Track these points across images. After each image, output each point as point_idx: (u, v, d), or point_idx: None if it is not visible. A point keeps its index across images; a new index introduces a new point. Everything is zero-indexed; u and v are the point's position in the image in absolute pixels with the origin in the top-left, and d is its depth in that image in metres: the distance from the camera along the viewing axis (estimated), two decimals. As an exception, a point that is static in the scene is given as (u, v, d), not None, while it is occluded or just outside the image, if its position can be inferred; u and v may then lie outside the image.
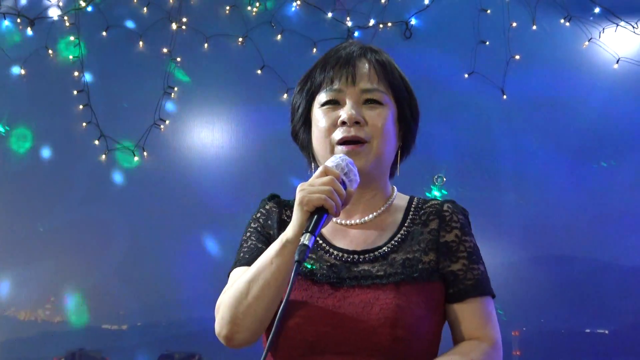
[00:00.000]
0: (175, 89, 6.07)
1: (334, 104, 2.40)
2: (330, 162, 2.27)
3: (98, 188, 6.09)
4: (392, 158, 2.48)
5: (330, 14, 6.06)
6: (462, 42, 5.97)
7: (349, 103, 2.37)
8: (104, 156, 6.07)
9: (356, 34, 6.04)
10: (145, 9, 6.13)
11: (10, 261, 6.12)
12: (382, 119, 2.38)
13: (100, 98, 6.12)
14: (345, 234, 2.45)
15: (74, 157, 6.12)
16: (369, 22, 6.06)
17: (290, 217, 2.41)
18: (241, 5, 6.09)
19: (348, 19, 6.05)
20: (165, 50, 6.09)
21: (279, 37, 6.09)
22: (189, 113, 6.11)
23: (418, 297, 2.30)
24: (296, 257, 2.08)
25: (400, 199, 2.52)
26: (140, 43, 6.12)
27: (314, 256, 2.41)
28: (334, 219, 2.46)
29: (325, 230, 2.46)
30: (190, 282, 5.97)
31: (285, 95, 6.03)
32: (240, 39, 6.08)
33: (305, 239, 2.11)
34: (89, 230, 6.08)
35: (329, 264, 2.37)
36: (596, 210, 5.94)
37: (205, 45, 6.10)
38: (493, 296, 2.42)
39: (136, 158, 6.07)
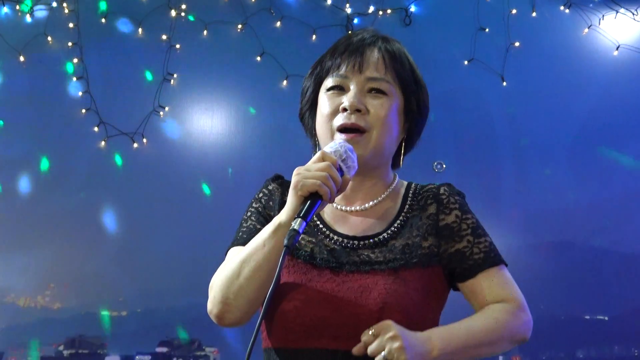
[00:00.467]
0: (175, 75, 6.06)
1: (339, 89, 2.37)
2: (329, 148, 2.25)
3: (97, 174, 6.08)
4: (394, 149, 2.45)
5: (329, 1, 6.05)
6: (461, 29, 5.97)
7: (352, 90, 2.35)
8: (103, 143, 6.05)
9: (355, 20, 6.04)
10: None
11: (9, 248, 6.10)
12: (385, 109, 2.35)
13: (99, 85, 6.09)
14: (346, 220, 2.42)
15: (73, 143, 6.10)
16: (368, 9, 6.05)
17: None
18: None
19: (347, 5, 6.04)
20: (164, 37, 6.07)
21: (278, 24, 6.07)
22: (189, 100, 6.10)
23: (417, 283, 2.29)
24: (285, 242, 2.08)
25: (401, 186, 2.50)
26: (140, 30, 6.09)
27: (314, 240, 2.39)
28: (335, 205, 2.45)
29: (327, 216, 2.44)
30: (189, 268, 5.96)
31: (284, 82, 6.02)
32: (240, 26, 6.06)
33: (296, 224, 2.11)
34: (88, 217, 6.07)
35: (329, 248, 2.35)
36: (596, 197, 5.96)
37: (205, 32, 6.09)
38: (506, 264, 2.39)
39: (135, 145, 6.05)
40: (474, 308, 2.38)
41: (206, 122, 6.09)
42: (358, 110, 2.33)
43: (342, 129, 2.34)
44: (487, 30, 5.98)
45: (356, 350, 2.14)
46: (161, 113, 6.06)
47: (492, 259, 2.36)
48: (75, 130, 6.08)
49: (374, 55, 2.38)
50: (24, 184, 6.09)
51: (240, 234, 2.43)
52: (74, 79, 6.09)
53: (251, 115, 6.08)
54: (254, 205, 2.49)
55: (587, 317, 6.11)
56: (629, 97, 5.99)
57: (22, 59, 6.10)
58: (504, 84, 5.93)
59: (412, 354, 2.11)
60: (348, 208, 2.43)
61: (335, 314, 2.23)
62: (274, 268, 2.11)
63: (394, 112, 2.37)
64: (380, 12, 6.03)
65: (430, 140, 2.55)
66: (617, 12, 6.00)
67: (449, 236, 2.37)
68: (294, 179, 2.18)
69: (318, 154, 2.21)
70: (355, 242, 2.36)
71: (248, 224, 2.44)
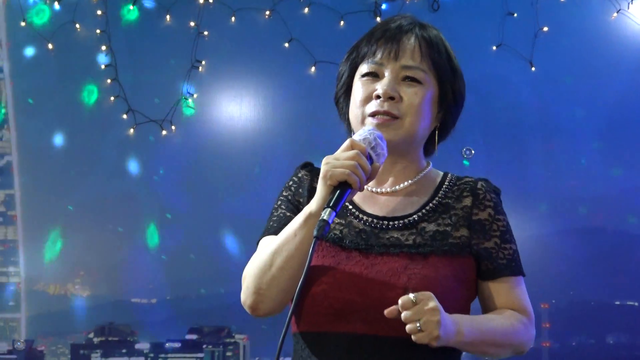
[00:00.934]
0: (203, 62, 6.06)
1: (373, 76, 2.33)
2: (358, 136, 2.21)
3: (126, 162, 6.11)
4: (426, 136, 2.40)
5: None
6: (489, 14, 5.92)
7: (387, 77, 2.31)
8: (132, 130, 6.07)
9: (384, 6, 6.00)
10: None
11: (39, 236, 6.13)
12: (418, 97, 2.31)
13: (127, 72, 6.12)
14: (376, 200, 2.38)
15: (102, 131, 6.14)
16: None
17: None
18: None
19: None
20: (192, 24, 6.06)
21: (306, 10, 6.03)
22: (217, 87, 6.11)
23: (446, 270, 2.26)
24: (315, 233, 2.07)
25: (435, 174, 2.45)
26: (167, 17, 6.08)
27: (343, 221, 2.35)
28: (366, 187, 2.34)
29: (356, 196, 2.37)
30: (218, 256, 6.00)
31: (313, 69, 6.01)
32: (268, 12, 6.04)
33: (326, 214, 2.09)
34: (117, 205, 6.12)
35: (357, 229, 2.32)
36: (625, 182, 5.93)
37: (232, 18, 6.06)
38: (524, 275, 2.38)
39: (164, 132, 6.06)
40: (482, 308, 2.39)
41: (234, 109, 6.10)
42: (391, 98, 2.30)
43: (374, 114, 2.30)
44: (515, 15, 5.92)
45: (388, 312, 2.10)
46: (189, 100, 6.06)
47: (513, 268, 2.36)
48: (105, 117, 6.10)
49: (411, 42, 2.34)
50: (52, 172, 6.14)
51: (271, 223, 2.41)
52: (103, 66, 6.09)
53: (280, 102, 6.08)
54: (283, 193, 2.45)
55: (618, 302, 6.07)
56: None
57: (50, 46, 6.10)
58: (533, 69, 5.88)
59: (444, 331, 2.10)
60: (378, 189, 2.40)
61: (364, 297, 2.21)
62: (305, 257, 2.11)
63: (428, 101, 2.34)
64: None
65: (458, 126, 2.51)
66: None
67: (480, 231, 2.34)
68: (322, 169, 2.17)
69: (347, 142, 2.18)
70: (385, 222, 2.32)
71: (278, 212, 2.41)
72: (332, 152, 2.24)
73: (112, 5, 6.11)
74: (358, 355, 2.20)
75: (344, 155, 2.14)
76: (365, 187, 2.33)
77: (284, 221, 2.32)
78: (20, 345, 6.02)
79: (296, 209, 2.35)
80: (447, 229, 2.32)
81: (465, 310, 2.32)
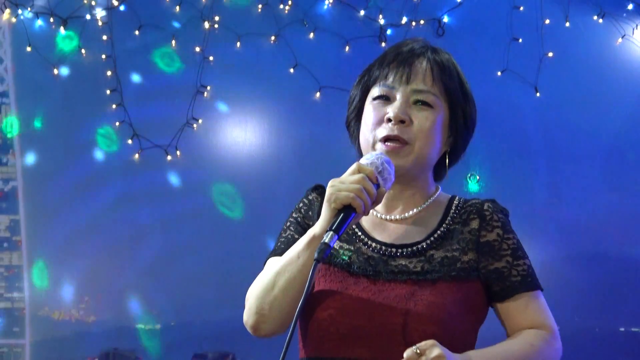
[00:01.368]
0: (208, 87, 6.07)
1: (384, 99, 2.34)
2: (365, 160, 2.21)
3: (131, 187, 6.11)
4: (435, 160, 2.41)
5: (362, 12, 6.04)
6: (494, 40, 5.95)
7: (398, 101, 2.32)
8: (137, 155, 6.07)
9: (389, 32, 6.02)
10: (177, 7, 6.10)
11: (44, 261, 6.11)
12: (429, 122, 2.32)
13: (133, 97, 6.13)
14: (385, 227, 2.39)
15: (108, 155, 6.13)
16: (401, 20, 6.02)
17: None
18: (273, 4, 6.09)
19: (380, 16, 6.02)
20: (197, 49, 6.08)
21: (311, 35, 6.06)
22: (222, 112, 6.13)
23: (454, 296, 2.26)
24: (315, 256, 2.07)
25: (443, 198, 2.46)
26: (173, 42, 6.10)
27: (351, 247, 2.36)
28: (375, 213, 2.42)
29: (365, 223, 2.41)
30: (222, 281, 5.98)
31: (318, 94, 6.02)
32: (273, 38, 6.06)
33: (327, 238, 2.09)
34: (122, 230, 6.11)
35: (366, 256, 2.33)
36: (630, 209, 5.92)
37: (238, 44, 6.08)
38: (542, 289, 2.36)
39: (169, 157, 6.07)
40: (506, 330, 2.36)
41: (239, 134, 6.10)
42: (402, 122, 2.31)
43: (385, 139, 2.31)
44: (520, 40, 5.95)
45: None
46: (194, 125, 6.06)
47: (530, 284, 2.34)
48: (110, 142, 6.10)
49: (422, 66, 2.35)
50: (57, 196, 6.11)
51: (279, 244, 2.43)
52: (108, 91, 6.10)
53: (285, 127, 6.09)
54: (293, 215, 2.48)
55: (622, 329, 6.04)
56: None
57: (56, 71, 6.10)
58: (538, 94, 5.90)
59: None
60: (387, 216, 2.40)
61: (371, 323, 2.21)
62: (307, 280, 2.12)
63: (439, 125, 2.35)
64: (414, 23, 6.01)
65: (463, 150, 2.52)
66: None
67: (489, 253, 2.33)
68: (328, 191, 2.18)
69: (353, 165, 2.18)
70: (393, 249, 2.33)
71: (287, 234, 2.43)
72: (336, 176, 2.24)
73: (118, 30, 6.12)
74: None
75: (349, 178, 2.15)
76: (375, 213, 2.42)
77: (291, 243, 2.33)
78: (24, 371, 6.10)
79: (304, 231, 2.34)
80: (456, 254, 2.32)
81: (473, 334, 2.33)
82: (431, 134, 2.33)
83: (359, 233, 2.40)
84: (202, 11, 6.05)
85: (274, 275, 2.25)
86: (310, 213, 2.45)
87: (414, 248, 2.33)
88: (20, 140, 6.16)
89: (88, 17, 6.08)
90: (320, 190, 2.48)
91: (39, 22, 6.12)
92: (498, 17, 5.99)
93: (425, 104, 2.33)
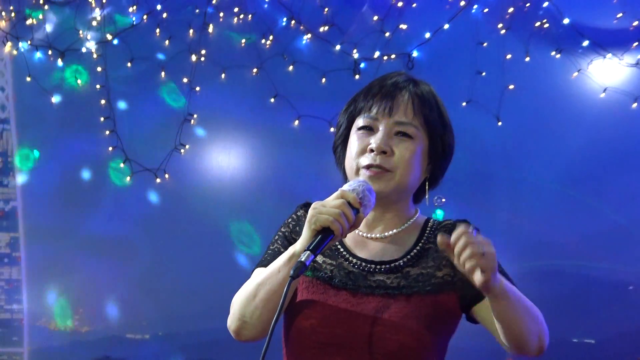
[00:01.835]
0: (195, 116, 6.17)
1: (368, 130, 2.40)
2: (348, 186, 2.27)
3: (123, 207, 6.21)
4: (415, 187, 2.47)
5: (338, 47, 6.11)
6: (460, 73, 5.99)
7: (381, 132, 2.38)
8: (128, 178, 6.19)
9: (362, 65, 6.10)
10: (167, 42, 6.22)
11: (41, 275, 6.24)
12: (409, 152, 2.38)
13: (125, 124, 6.23)
14: (366, 245, 2.46)
15: (101, 178, 6.24)
16: (374, 54, 6.11)
17: None
18: (256, 39, 6.16)
19: (355, 51, 6.10)
20: (185, 80, 6.18)
21: (290, 68, 6.15)
22: (208, 138, 6.21)
23: (428, 308, 2.33)
24: (291, 273, 2.12)
25: (421, 220, 2.52)
26: (163, 73, 6.20)
27: (334, 262, 2.42)
28: (357, 231, 2.48)
29: (348, 240, 2.47)
30: (207, 294, 6.04)
31: (296, 122, 6.10)
32: (255, 70, 6.15)
33: (304, 257, 2.13)
34: (114, 247, 6.19)
35: (347, 271, 2.39)
36: (585, 229, 5.99)
37: (223, 75, 6.18)
38: (516, 286, 2.40)
39: (158, 180, 6.17)
40: (491, 328, 2.37)
41: (224, 158, 6.20)
42: (384, 152, 2.36)
43: (368, 167, 2.38)
44: (483, 73, 6.02)
45: (440, 240, 2.11)
46: (182, 151, 6.18)
47: (507, 277, 2.41)
48: (103, 166, 6.23)
49: (404, 99, 2.40)
50: (54, 215, 6.25)
51: (266, 255, 2.49)
52: (102, 119, 6.22)
53: (266, 153, 6.17)
54: (282, 229, 2.54)
55: (575, 340, 6.16)
56: (614, 136, 6.01)
57: (53, 100, 6.25)
58: (500, 123, 5.97)
59: (495, 270, 2.12)
60: (368, 234, 2.46)
61: (349, 333, 2.29)
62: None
63: (418, 155, 2.40)
64: (385, 57, 6.09)
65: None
66: (604, 57, 6.03)
67: None
68: (310, 213, 2.22)
69: (337, 191, 2.24)
70: (372, 266, 2.39)
71: (274, 246, 2.50)
72: (313, 199, 2.36)
73: (111, 62, 6.23)
74: None
75: (331, 203, 2.21)
76: (358, 231, 2.50)
77: (277, 255, 2.39)
78: (23, 378, 6.10)
79: (290, 245, 2.38)
80: (430, 270, 2.39)
81: (444, 345, 2.41)
82: (411, 164, 2.38)
83: (342, 249, 2.45)
84: (190, 45, 6.19)
85: (256, 286, 2.30)
86: (297, 228, 2.49)
87: (392, 265, 2.39)
88: (19, 164, 6.30)
89: (84, 50, 6.24)
90: (308, 207, 2.45)
91: (38, 54, 6.29)
92: (463, 52, 6.05)
93: (406, 135, 2.38)
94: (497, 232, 5.96)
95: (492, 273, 2.11)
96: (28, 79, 6.29)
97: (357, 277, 2.39)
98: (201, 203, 6.17)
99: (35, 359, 6.23)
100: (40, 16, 6.27)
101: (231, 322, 2.39)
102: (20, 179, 6.32)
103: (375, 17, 6.17)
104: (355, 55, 6.14)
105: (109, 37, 6.26)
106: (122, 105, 6.28)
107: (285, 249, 2.39)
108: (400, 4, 6.13)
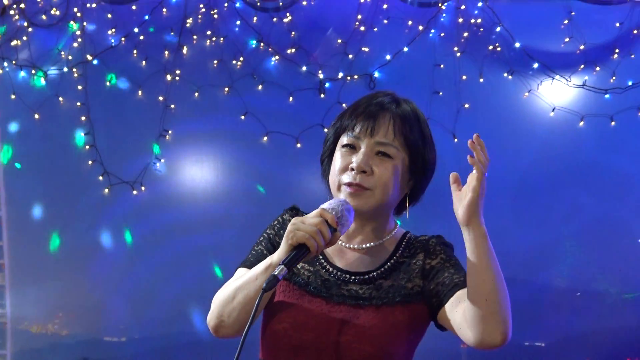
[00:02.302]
0: (170, 131, 6.28)
1: (351, 148, 2.41)
2: (328, 205, 2.29)
3: (102, 217, 6.29)
4: (395, 203, 2.47)
5: (304, 68, 6.26)
6: (418, 93, 6.04)
7: (362, 151, 2.39)
8: (107, 190, 6.28)
9: (327, 85, 6.22)
10: (143, 62, 6.34)
11: (24, 281, 6.32)
12: (389, 172, 2.38)
13: (104, 139, 6.32)
14: (344, 254, 2.47)
15: (81, 190, 6.33)
16: (338, 74, 6.24)
17: None
18: (227, 60, 6.29)
19: (320, 72, 6.24)
20: (161, 98, 6.29)
21: (260, 87, 6.27)
22: (181, 153, 6.31)
23: (396, 319, 2.36)
24: (263, 286, 2.15)
25: (399, 233, 2.53)
26: (139, 92, 6.31)
27: (311, 269, 2.45)
28: (338, 241, 2.43)
29: (328, 248, 2.44)
30: (181, 299, 6.17)
31: (265, 138, 6.22)
32: (226, 89, 6.28)
33: (277, 271, 2.16)
34: (93, 254, 6.28)
35: (322, 278, 2.42)
36: (535, 240, 6.17)
37: (196, 94, 6.30)
38: None
39: (135, 192, 6.27)
40: (454, 327, 2.33)
41: (197, 172, 6.31)
42: (364, 172, 2.37)
43: (349, 184, 2.39)
44: (440, 93, 6.17)
45: (453, 177, 2.26)
46: (157, 164, 6.30)
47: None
48: (83, 178, 6.33)
49: (386, 120, 2.41)
50: (36, 224, 6.35)
51: (249, 256, 2.50)
52: (82, 134, 6.33)
53: (236, 167, 6.28)
54: (267, 231, 2.55)
55: (527, 343, 6.32)
56: (562, 152, 6.18)
57: (36, 117, 6.34)
58: (456, 140, 6.07)
59: (480, 214, 2.22)
60: (348, 245, 2.48)
61: (318, 340, 2.32)
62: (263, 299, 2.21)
63: (397, 174, 2.41)
64: (348, 78, 6.23)
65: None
66: (553, 78, 6.24)
67: (433, 274, 2.40)
68: (289, 228, 2.24)
69: (317, 210, 2.26)
70: (347, 276, 2.42)
71: (258, 248, 2.51)
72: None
73: (92, 81, 6.33)
74: None
75: (310, 220, 2.23)
76: (338, 241, 2.46)
77: (260, 258, 2.43)
78: (5, 379, 6.06)
79: (273, 249, 2.45)
80: (402, 282, 2.41)
81: (411, 352, 2.41)
82: (390, 183, 2.38)
83: (321, 257, 2.48)
84: (165, 65, 6.30)
85: (234, 290, 2.31)
86: (282, 232, 2.48)
87: (366, 276, 2.41)
88: (4, 177, 6.38)
89: (65, 69, 6.34)
90: (295, 212, 2.55)
91: (22, 74, 6.39)
92: (421, 73, 6.18)
93: (386, 155, 2.38)
94: (453, 243, 6.02)
95: (482, 188, 2.22)
96: (13, 97, 6.38)
97: (331, 285, 2.41)
98: (175, 214, 6.25)
99: (18, 360, 6.26)
100: (25, 37, 6.36)
101: (210, 319, 2.40)
102: (5, 189, 6.41)
103: (339, 40, 6.31)
104: (321, 76, 6.29)
105: (89, 57, 6.37)
106: (101, 121, 6.37)
107: (268, 251, 2.46)
108: (362, 28, 6.28)
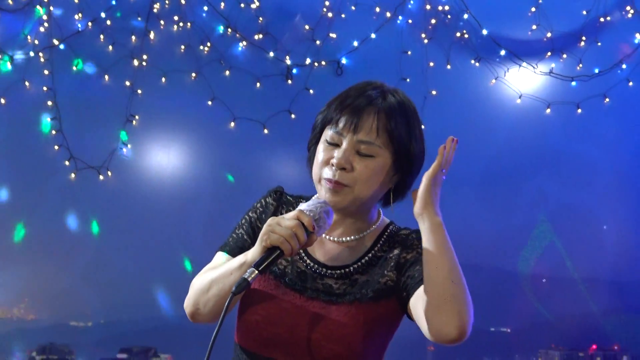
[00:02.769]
0: (136, 117, 6.23)
1: (334, 143, 2.35)
2: (306, 206, 2.24)
3: (68, 203, 6.26)
4: (376, 199, 2.39)
5: (272, 54, 6.24)
6: (386, 79, 5.44)
7: (343, 148, 2.33)
8: (73, 175, 6.24)
9: (294, 70, 6.23)
10: (110, 47, 6.29)
11: None
12: (369, 170, 2.32)
13: (70, 124, 6.27)
14: (323, 246, 2.42)
15: (48, 175, 6.29)
16: (305, 60, 6.24)
17: None
18: (194, 45, 6.26)
19: (287, 58, 6.23)
20: (127, 83, 6.25)
21: (227, 72, 6.26)
22: (148, 138, 6.29)
23: (368, 316, 2.31)
24: (233, 289, 2.11)
25: (381, 225, 2.46)
26: (106, 77, 6.27)
27: (289, 259, 2.39)
28: None
29: None
30: (146, 284, 6.16)
31: (232, 124, 6.21)
32: (194, 74, 6.25)
33: (248, 274, 2.13)
34: (59, 239, 6.27)
35: (299, 270, 2.38)
36: (500, 225, 6.19)
37: (163, 79, 6.27)
38: None
39: (101, 177, 6.23)
40: (419, 317, 2.26)
41: (163, 157, 6.30)
42: (344, 169, 2.30)
43: (328, 180, 2.32)
44: (408, 80, 6.18)
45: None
46: (124, 149, 6.25)
47: None
48: (49, 163, 6.27)
49: (370, 117, 2.33)
50: (3, 211, 6.31)
51: (230, 239, 2.46)
52: (48, 119, 6.28)
53: (202, 152, 6.26)
54: (250, 213, 2.48)
55: (492, 329, 6.39)
56: (529, 139, 6.20)
57: (2, 101, 6.28)
58: (423, 126, 5.96)
59: (435, 203, 2.25)
60: (328, 236, 2.41)
61: (288, 335, 2.29)
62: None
63: (379, 172, 2.33)
64: (316, 64, 6.23)
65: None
66: (519, 65, 6.25)
67: (407, 267, 2.34)
68: (264, 228, 2.19)
69: (295, 211, 2.21)
70: (324, 269, 2.37)
71: (239, 231, 2.46)
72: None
73: (58, 66, 6.29)
74: None
75: (286, 222, 2.18)
76: None
77: (240, 243, 2.42)
78: (-29, 363, 6.02)
79: (253, 234, 2.41)
80: (376, 277, 2.35)
81: (383, 346, 2.37)
82: (370, 180, 2.31)
83: None
84: (132, 50, 6.27)
85: (209, 282, 2.30)
86: (263, 216, 2.44)
87: (342, 271, 2.36)
88: None
89: (31, 54, 6.28)
90: (278, 195, 2.49)
91: None
92: (389, 60, 6.19)
93: (368, 154, 2.31)
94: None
95: (437, 178, 2.26)
96: (-21, 81, 6.23)
97: (307, 278, 2.38)
98: (142, 199, 6.24)
99: (-16, 345, 6.20)
100: (-10, 22, 6.22)
101: (187, 305, 2.38)
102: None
103: (307, 27, 6.30)
104: (288, 62, 6.28)
105: (56, 42, 6.32)
106: (68, 106, 6.33)
107: (249, 236, 2.42)
108: (330, 14, 6.26)
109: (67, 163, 6.30)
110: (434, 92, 6.25)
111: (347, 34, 6.31)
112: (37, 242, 6.31)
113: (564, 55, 6.26)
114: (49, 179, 6.32)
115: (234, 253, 2.40)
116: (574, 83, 6.29)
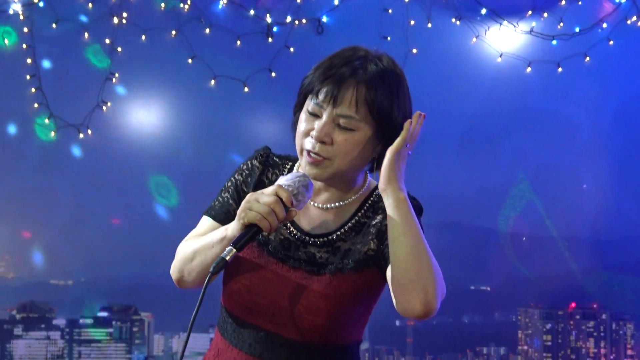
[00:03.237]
0: (116, 75, 6.19)
1: (315, 114, 2.27)
2: (285, 180, 2.21)
3: (47, 160, 6.24)
4: (358, 170, 2.34)
5: (252, 11, 6.18)
6: (366, 38, 6.04)
7: (323, 121, 2.26)
8: (53, 133, 6.18)
9: (275, 29, 6.18)
10: (90, 4, 6.20)
11: None
12: (349, 144, 2.26)
13: (50, 82, 6.22)
14: (307, 212, 2.37)
15: (27, 133, 6.26)
16: (286, 19, 6.18)
17: (272, 181, 2.35)
18: (174, 2, 6.19)
19: (268, 15, 6.17)
20: (107, 41, 6.18)
21: (207, 30, 6.20)
22: (128, 96, 6.26)
23: (350, 287, 2.28)
24: (210, 269, 2.11)
25: (367, 190, 2.39)
26: (86, 34, 6.19)
27: None
28: None
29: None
30: (127, 242, 6.19)
31: (213, 82, 6.17)
32: (174, 32, 6.19)
33: (226, 253, 2.12)
34: (39, 197, 6.25)
35: (282, 237, 2.34)
36: (480, 184, 6.21)
37: (143, 37, 6.20)
38: None
39: (81, 135, 6.19)
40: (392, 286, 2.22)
41: (143, 116, 6.25)
42: (323, 142, 2.25)
43: (308, 152, 2.26)
44: (388, 38, 6.13)
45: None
46: (104, 107, 6.18)
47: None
48: (29, 121, 6.25)
49: (349, 92, 2.25)
50: None
51: (216, 202, 2.42)
52: (28, 77, 6.22)
53: (183, 110, 6.24)
54: (235, 176, 2.44)
55: (472, 287, 6.44)
56: (509, 98, 6.20)
57: None
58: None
59: (399, 179, 2.15)
60: (312, 203, 2.36)
61: (270, 305, 2.28)
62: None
63: (360, 144, 2.27)
64: (297, 22, 6.16)
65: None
66: (500, 24, 6.20)
67: (387, 236, 2.24)
68: (242, 205, 2.16)
69: (273, 186, 2.18)
70: (307, 237, 2.34)
71: (225, 195, 2.42)
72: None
73: (38, 23, 6.20)
74: (264, 345, 2.32)
75: (263, 198, 2.14)
76: None
77: (225, 207, 2.38)
78: (-48, 319, 6.02)
79: (239, 198, 2.35)
80: (358, 246, 2.30)
81: (365, 316, 2.35)
82: (350, 153, 2.26)
83: None
84: (112, 8, 6.17)
85: (192, 252, 2.31)
86: (249, 180, 2.41)
87: (325, 239, 2.33)
88: None
89: (11, 11, 6.19)
90: (265, 157, 2.44)
91: None
92: (370, 18, 6.14)
93: (348, 128, 2.25)
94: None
95: (401, 153, 2.18)
96: (-43, 39, 6.11)
97: (290, 245, 2.34)
98: (122, 157, 6.22)
99: (-37, 304, 6.15)
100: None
101: (173, 271, 2.39)
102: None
103: None
104: (269, 20, 6.21)
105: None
106: (47, 64, 6.26)
107: (234, 200, 2.38)
108: None
109: (47, 121, 6.23)
110: (414, 51, 6.21)
111: (328, -9, 6.15)
112: (17, 200, 6.28)
113: (545, 14, 6.20)
114: (29, 136, 6.29)
115: (219, 218, 2.38)
116: (554, 42, 6.25)
